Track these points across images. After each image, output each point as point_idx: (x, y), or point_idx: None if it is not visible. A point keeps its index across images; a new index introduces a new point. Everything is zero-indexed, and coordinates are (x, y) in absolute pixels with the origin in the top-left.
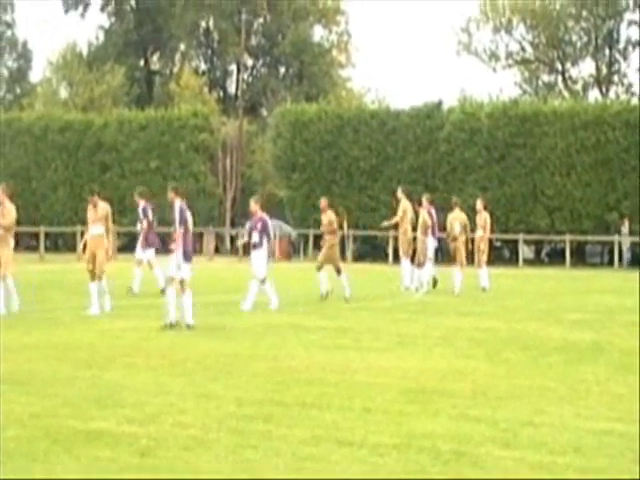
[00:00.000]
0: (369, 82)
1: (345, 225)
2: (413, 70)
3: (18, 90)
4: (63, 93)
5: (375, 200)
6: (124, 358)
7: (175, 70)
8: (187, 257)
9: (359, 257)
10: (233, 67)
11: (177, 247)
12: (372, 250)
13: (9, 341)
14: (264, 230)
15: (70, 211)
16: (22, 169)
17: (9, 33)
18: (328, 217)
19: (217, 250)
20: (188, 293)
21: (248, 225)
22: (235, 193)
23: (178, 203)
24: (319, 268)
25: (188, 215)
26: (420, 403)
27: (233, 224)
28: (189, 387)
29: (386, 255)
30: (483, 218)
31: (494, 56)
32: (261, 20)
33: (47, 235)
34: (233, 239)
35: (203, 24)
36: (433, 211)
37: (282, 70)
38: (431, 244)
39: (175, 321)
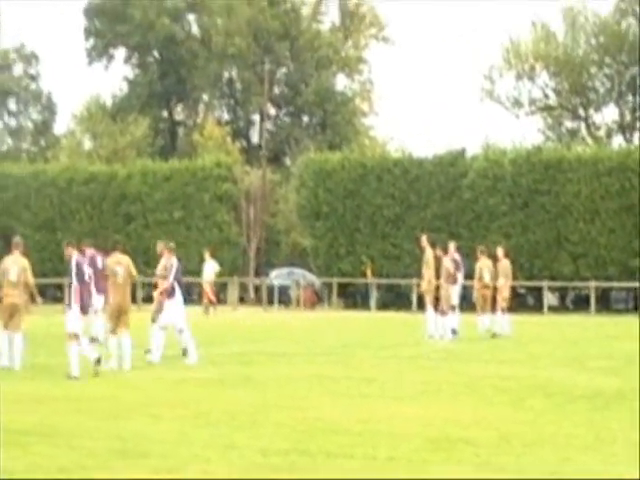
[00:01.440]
0: (392, 130)
1: (369, 273)
2: (436, 118)
3: (43, 142)
4: (87, 145)
5: (399, 248)
6: (148, 408)
7: (198, 120)
8: (84, 311)
9: (383, 305)
10: (256, 117)
11: (74, 301)
12: (396, 298)
13: (36, 393)
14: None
15: None
16: (47, 221)
17: (34, 86)
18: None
19: (241, 300)
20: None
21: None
22: (259, 242)
23: (74, 257)
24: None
25: (85, 269)
26: (444, 451)
27: (257, 273)
28: (214, 437)
29: (410, 303)
30: (504, 265)
31: (517, 103)
32: (284, 70)
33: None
34: (257, 289)
35: (226, 74)
36: (459, 258)
37: (305, 119)
38: (456, 292)
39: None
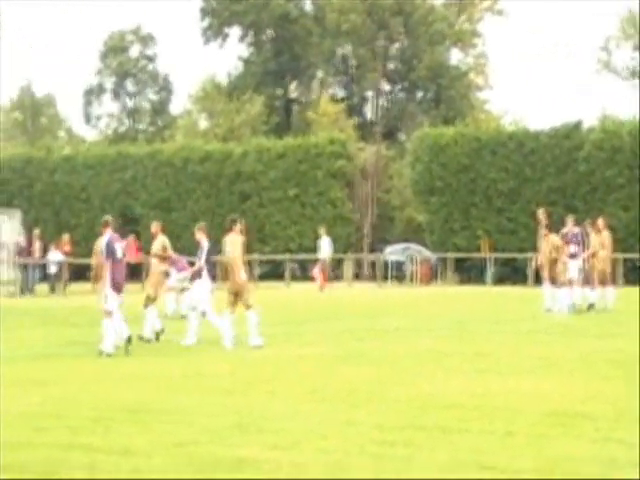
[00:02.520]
0: (507, 104)
1: (486, 248)
2: (551, 90)
3: (160, 122)
4: (203, 124)
5: (514, 222)
6: (264, 385)
7: (313, 98)
8: (117, 289)
9: (499, 280)
10: (370, 93)
11: (104, 279)
12: (512, 273)
13: (153, 370)
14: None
15: (211, 241)
16: (163, 200)
17: (151, 67)
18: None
19: (356, 276)
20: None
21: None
22: (373, 219)
23: (107, 235)
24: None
25: (117, 247)
26: (562, 426)
27: (372, 250)
28: (330, 413)
29: (526, 277)
30: (604, 237)
31: (634, 73)
32: (398, 45)
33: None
34: (372, 265)
35: (340, 51)
36: (579, 232)
37: (419, 94)
38: (574, 266)
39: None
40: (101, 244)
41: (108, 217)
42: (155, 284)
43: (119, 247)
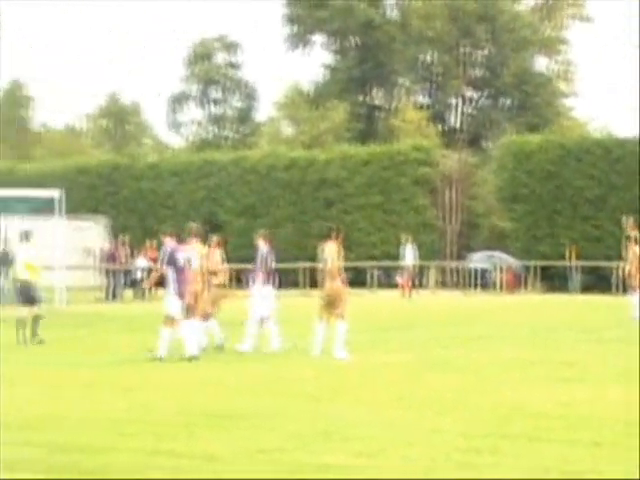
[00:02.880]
0: (593, 111)
1: (572, 256)
2: (638, 97)
3: (244, 129)
4: (287, 131)
5: (600, 230)
6: (349, 392)
7: (397, 105)
8: (181, 297)
9: (584, 288)
10: (454, 100)
11: (170, 288)
12: (597, 281)
13: (237, 376)
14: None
15: (294, 247)
16: (248, 207)
17: (235, 74)
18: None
19: (441, 283)
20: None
21: None
22: (457, 226)
23: (168, 245)
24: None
25: (180, 256)
26: None
27: (457, 257)
28: (415, 421)
29: (610, 286)
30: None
31: None
32: (482, 52)
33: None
34: (457, 272)
35: (424, 58)
36: None
37: (504, 101)
38: None
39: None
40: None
41: (166, 230)
42: (214, 299)
43: (182, 256)
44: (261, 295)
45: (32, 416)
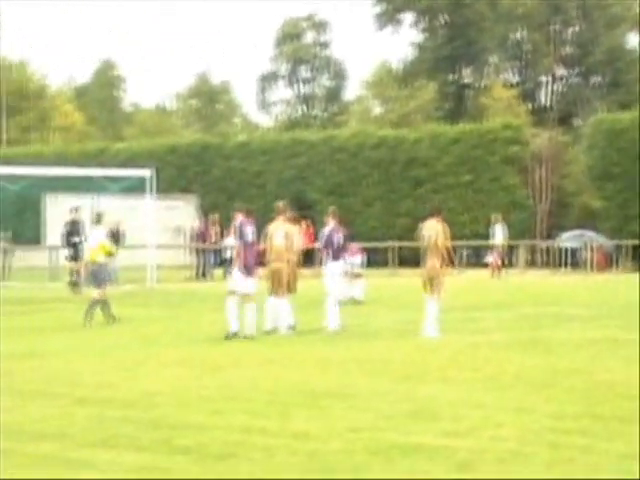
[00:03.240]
0: None
1: None
2: None
3: (333, 108)
4: (376, 110)
5: None
6: (439, 371)
7: (486, 83)
8: (247, 271)
9: None
10: (544, 78)
11: (236, 262)
12: None
13: (329, 355)
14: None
15: (384, 226)
16: (338, 186)
17: (324, 53)
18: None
19: (530, 263)
20: (251, 306)
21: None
22: (548, 205)
23: (238, 219)
24: None
25: (248, 230)
26: None
27: (547, 236)
28: (505, 401)
29: None
30: None
31: None
32: (573, 29)
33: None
34: (547, 252)
35: (514, 36)
36: None
37: (595, 79)
38: None
39: (235, 332)
40: (234, 227)
41: (238, 204)
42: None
43: (250, 231)
44: (331, 273)
45: (125, 394)
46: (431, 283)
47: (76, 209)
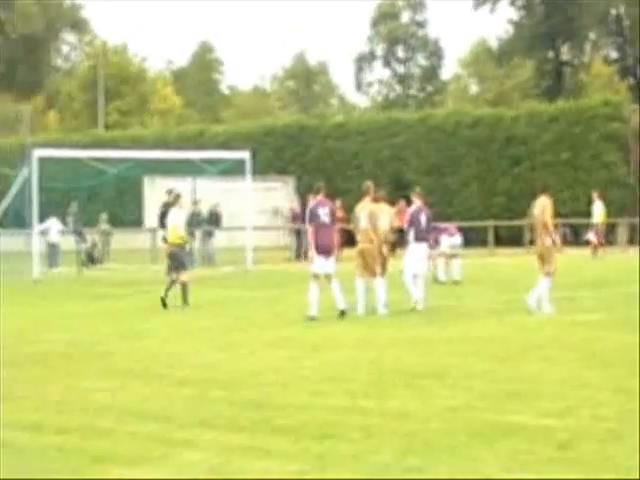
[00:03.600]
0: None
1: None
2: None
3: (430, 88)
4: (473, 89)
5: None
6: (539, 351)
7: (585, 60)
8: (324, 252)
9: None
10: None
11: (309, 244)
12: None
13: (427, 336)
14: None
15: (481, 205)
16: (435, 166)
17: (421, 32)
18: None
19: (631, 241)
20: (334, 284)
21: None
22: None
23: (311, 202)
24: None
25: (321, 212)
26: None
27: None
28: (605, 380)
29: None
30: None
31: None
32: None
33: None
34: None
35: (613, 12)
36: None
37: None
38: None
39: (313, 316)
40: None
41: (318, 184)
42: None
43: (323, 212)
44: (413, 253)
45: (224, 375)
46: (541, 260)
47: (171, 191)
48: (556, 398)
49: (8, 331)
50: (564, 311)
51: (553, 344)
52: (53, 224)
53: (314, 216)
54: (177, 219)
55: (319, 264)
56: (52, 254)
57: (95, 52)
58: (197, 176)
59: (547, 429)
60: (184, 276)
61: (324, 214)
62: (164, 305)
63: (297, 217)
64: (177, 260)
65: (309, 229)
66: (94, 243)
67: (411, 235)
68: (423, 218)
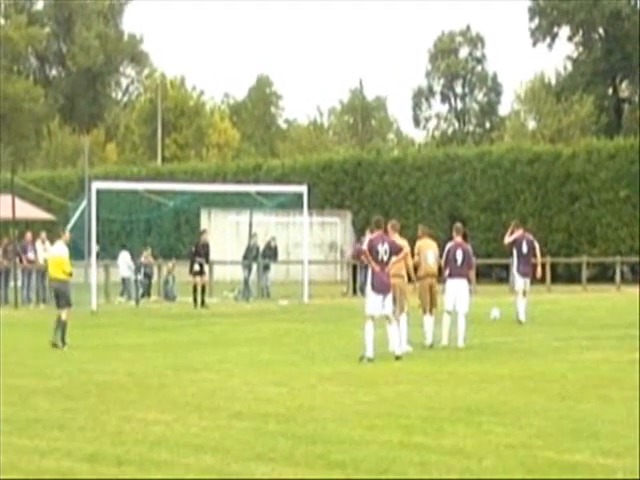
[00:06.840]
0: None
1: None
2: None
3: (488, 123)
4: (531, 125)
5: None
6: (597, 389)
7: None
8: (381, 291)
9: None
10: None
11: (369, 282)
12: None
13: (484, 372)
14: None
15: (539, 243)
16: (492, 202)
17: (479, 68)
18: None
19: None
20: (392, 327)
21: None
22: None
23: (367, 236)
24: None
25: (380, 248)
26: None
27: None
28: None
29: None
30: None
31: None
32: None
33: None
34: None
35: None
36: None
37: None
38: None
39: (369, 357)
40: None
41: (375, 218)
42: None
43: (382, 249)
44: (452, 289)
45: (281, 408)
46: None
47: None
48: (614, 437)
49: (66, 362)
50: (623, 349)
51: (612, 383)
52: (123, 257)
53: (373, 252)
54: (62, 251)
55: (376, 304)
56: (126, 287)
57: (154, 85)
58: (254, 209)
59: (606, 468)
60: (64, 314)
61: (383, 251)
62: (54, 345)
63: (356, 252)
64: (63, 297)
65: (370, 265)
66: (167, 278)
67: (446, 272)
68: (459, 254)
